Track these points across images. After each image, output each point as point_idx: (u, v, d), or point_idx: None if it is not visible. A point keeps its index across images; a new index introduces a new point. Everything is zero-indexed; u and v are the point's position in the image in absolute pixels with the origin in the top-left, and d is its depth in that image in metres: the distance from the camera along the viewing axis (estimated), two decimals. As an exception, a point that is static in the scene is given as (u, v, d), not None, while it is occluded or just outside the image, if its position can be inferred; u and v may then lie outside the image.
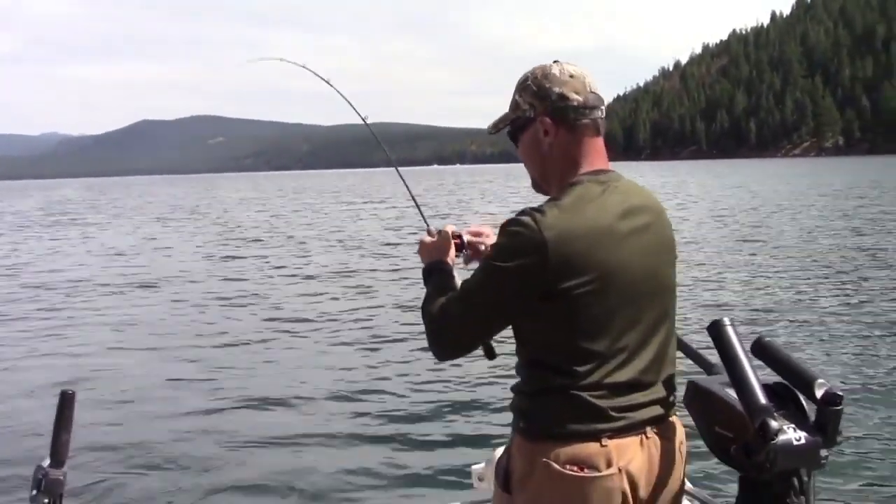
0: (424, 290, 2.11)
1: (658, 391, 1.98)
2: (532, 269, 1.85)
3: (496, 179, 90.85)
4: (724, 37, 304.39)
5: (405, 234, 23.68)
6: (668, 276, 2.06)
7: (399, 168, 2.98)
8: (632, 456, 1.90)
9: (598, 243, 1.89)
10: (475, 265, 2.11)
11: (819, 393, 1.83)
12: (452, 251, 2.26)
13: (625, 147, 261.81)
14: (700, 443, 2.02)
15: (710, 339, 1.95)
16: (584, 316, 1.88)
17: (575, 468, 1.87)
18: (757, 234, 21.00)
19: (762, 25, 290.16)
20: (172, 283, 15.69)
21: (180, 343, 10.02)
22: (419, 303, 2.09)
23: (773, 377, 1.94)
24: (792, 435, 1.79)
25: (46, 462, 1.78)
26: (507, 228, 1.91)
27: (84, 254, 22.35)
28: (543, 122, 2.02)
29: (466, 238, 2.30)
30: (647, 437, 1.94)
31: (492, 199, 47.39)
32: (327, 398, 7.38)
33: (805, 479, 1.84)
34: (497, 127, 2.16)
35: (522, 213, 1.91)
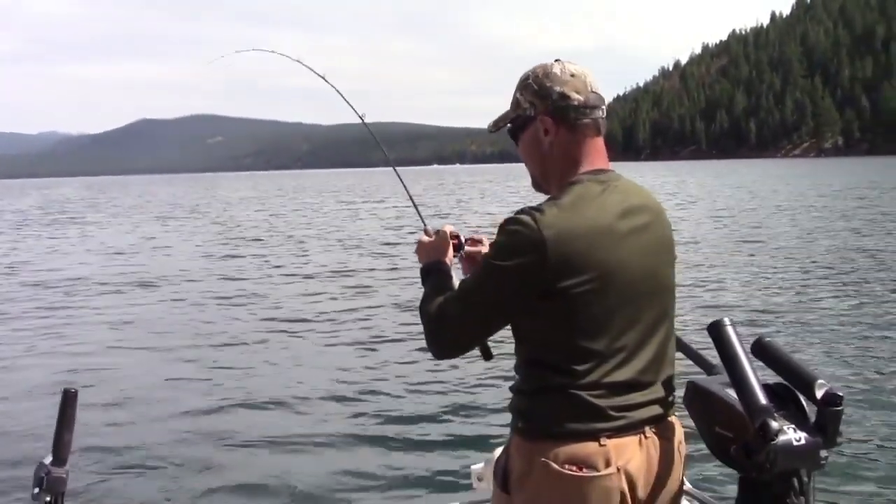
0: (422, 290, 2.11)
1: (657, 391, 1.98)
2: (531, 268, 1.85)
3: (496, 179, 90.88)
4: (724, 37, 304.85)
5: (404, 234, 23.67)
6: (667, 276, 2.06)
7: (399, 168, 2.98)
8: (630, 456, 1.90)
9: (598, 242, 1.88)
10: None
11: (819, 393, 1.83)
12: (450, 251, 2.25)
13: (624, 147, 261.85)
14: (700, 443, 2.01)
15: (709, 339, 1.95)
16: (582, 315, 1.88)
17: (573, 468, 1.86)
18: (757, 234, 21.00)
19: (762, 25, 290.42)
20: (172, 282, 15.68)
21: (179, 342, 10.01)
22: (418, 303, 2.08)
23: (773, 377, 1.94)
24: (792, 435, 1.79)
25: (48, 460, 1.78)
26: (506, 227, 1.91)
27: (83, 253, 22.34)
28: (544, 120, 2.01)
29: (465, 248, 2.30)
30: (645, 437, 1.93)
31: (491, 198, 47.37)
32: (326, 398, 7.37)
33: (805, 479, 1.84)
34: (497, 125, 2.15)
35: (521, 211, 1.90)
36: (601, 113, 2.03)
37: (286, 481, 5.49)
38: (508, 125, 2.12)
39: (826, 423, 1.82)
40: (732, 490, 1.96)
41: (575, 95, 1.99)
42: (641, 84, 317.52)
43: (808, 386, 1.86)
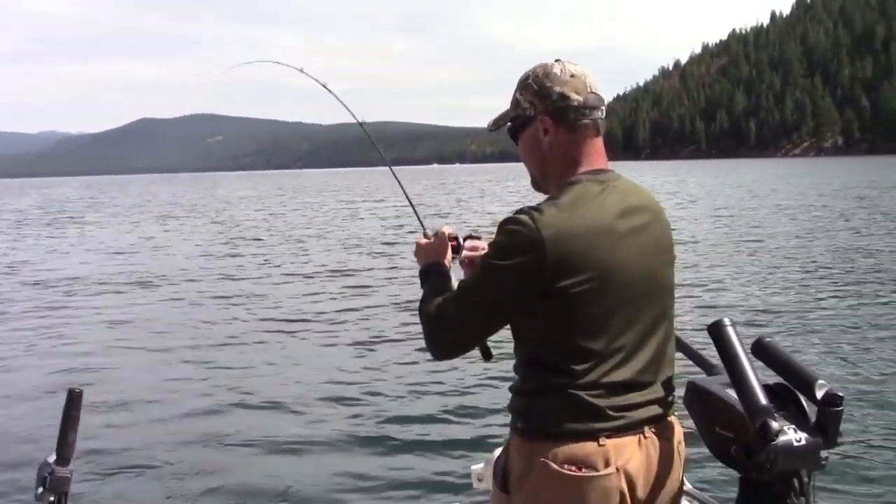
0: (421, 292, 2.11)
1: (656, 391, 1.98)
2: (529, 268, 1.85)
3: (496, 179, 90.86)
4: (724, 36, 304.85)
5: (404, 234, 23.65)
6: (666, 276, 2.06)
7: (399, 167, 2.98)
8: (630, 455, 1.90)
9: (596, 242, 1.88)
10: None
11: (819, 394, 1.83)
12: (449, 253, 2.25)
13: (624, 146, 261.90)
14: (700, 443, 2.01)
15: (710, 339, 1.95)
16: (581, 315, 1.88)
17: (573, 468, 1.87)
18: (757, 233, 20.99)
19: (762, 25, 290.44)
20: (172, 281, 15.67)
21: (179, 342, 10.00)
22: (417, 303, 2.09)
23: (773, 378, 1.94)
24: (792, 436, 1.79)
25: (52, 459, 1.78)
26: (505, 227, 1.91)
27: (83, 252, 22.33)
28: (543, 121, 2.02)
29: (464, 254, 2.29)
30: (645, 437, 1.93)
31: (491, 198, 47.35)
32: (326, 399, 7.36)
33: (805, 479, 1.84)
34: (497, 124, 2.15)
35: (520, 211, 1.91)
36: (600, 113, 2.03)
37: (286, 482, 5.48)
38: (508, 124, 2.12)
39: (826, 424, 1.82)
40: (733, 491, 1.96)
41: (574, 96, 1.99)
42: (641, 84, 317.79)
43: (808, 386, 1.86)
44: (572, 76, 2.01)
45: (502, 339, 2.04)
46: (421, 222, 2.59)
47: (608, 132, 2.11)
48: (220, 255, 20.40)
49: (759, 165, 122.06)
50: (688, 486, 2.23)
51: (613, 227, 1.92)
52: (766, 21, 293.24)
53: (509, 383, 2.04)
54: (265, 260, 18.88)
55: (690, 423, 2.04)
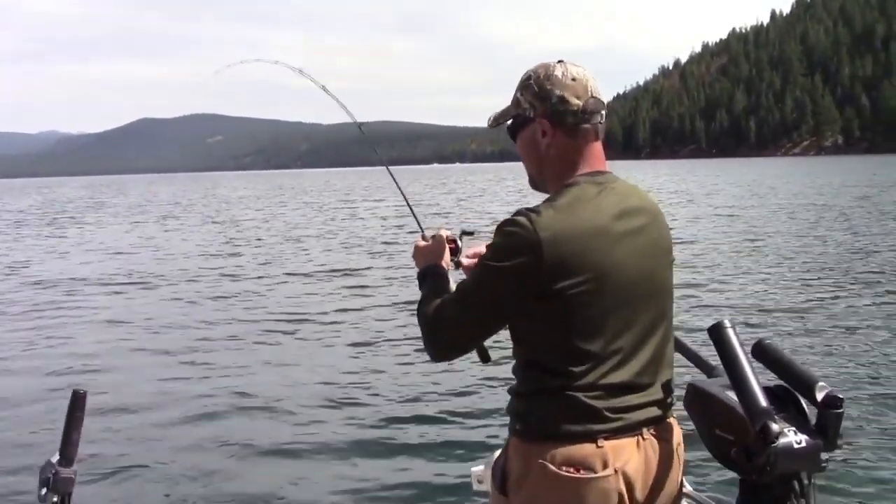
0: (420, 294, 2.13)
1: (655, 392, 1.98)
2: (527, 269, 1.86)
3: (497, 178, 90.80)
4: (724, 36, 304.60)
5: (404, 234, 23.64)
6: (664, 277, 2.06)
7: (399, 167, 2.99)
8: (628, 457, 1.90)
9: (593, 244, 1.89)
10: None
11: (820, 396, 1.83)
12: (447, 255, 2.26)
13: (624, 146, 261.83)
14: (700, 445, 2.00)
15: (710, 340, 1.95)
16: (579, 316, 1.88)
17: (571, 469, 1.87)
18: (757, 234, 20.95)
19: (762, 24, 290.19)
20: (171, 281, 15.67)
21: (179, 343, 10.00)
22: (417, 304, 2.09)
23: (773, 380, 1.94)
24: (793, 438, 1.78)
25: (55, 459, 1.78)
26: (503, 229, 1.92)
27: (83, 252, 22.32)
28: (542, 123, 2.02)
29: (464, 262, 2.30)
30: (643, 439, 1.94)
31: (491, 197, 47.34)
32: (325, 401, 7.34)
33: (805, 482, 1.84)
34: (497, 121, 2.16)
35: (518, 213, 1.91)
36: (600, 118, 2.03)
37: (286, 484, 5.48)
38: (508, 122, 2.13)
39: (827, 426, 1.82)
40: (733, 493, 1.96)
41: (574, 101, 1.99)
42: (641, 83, 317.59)
43: (808, 388, 1.86)
44: (573, 80, 2.00)
45: (503, 341, 2.04)
46: (419, 224, 2.59)
47: (608, 131, 2.11)
48: (220, 254, 20.40)
49: (759, 164, 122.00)
50: (688, 488, 2.23)
51: (610, 228, 1.92)
52: (766, 20, 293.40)
53: (510, 385, 2.04)
54: (265, 260, 18.87)
55: (690, 424, 2.04)
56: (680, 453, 2.04)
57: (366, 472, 5.64)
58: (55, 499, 1.77)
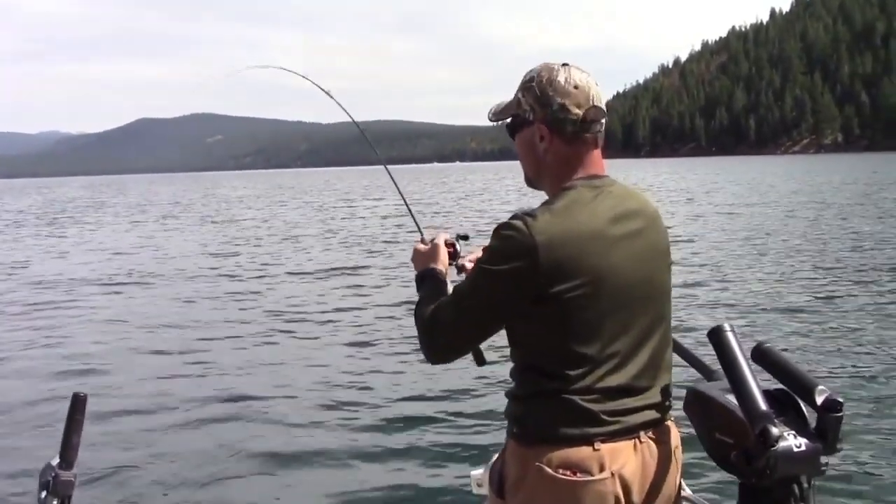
0: (417, 297, 2.13)
1: (652, 396, 1.98)
2: (523, 273, 1.86)
3: (496, 177, 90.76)
4: (724, 34, 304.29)
5: (404, 233, 23.63)
6: (661, 281, 2.06)
7: (399, 166, 3.01)
8: (625, 460, 1.90)
9: (589, 247, 1.89)
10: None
11: (819, 399, 1.83)
12: (446, 258, 2.27)
13: (624, 144, 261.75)
14: (700, 449, 2.00)
15: (709, 344, 1.95)
16: (575, 320, 1.88)
17: (567, 472, 1.87)
18: (757, 233, 20.93)
19: (762, 22, 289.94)
20: (171, 281, 15.67)
21: (180, 343, 9.98)
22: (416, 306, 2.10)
23: (773, 383, 1.93)
24: (792, 441, 1.78)
25: (55, 462, 1.78)
26: (499, 232, 1.92)
27: (83, 252, 22.32)
28: (541, 128, 2.02)
29: (466, 265, 2.30)
30: (640, 442, 1.94)
31: (491, 195, 47.33)
32: (325, 403, 7.31)
33: (805, 485, 1.84)
34: (497, 117, 2.16)
35: (515, 216, 1.92)
36: (600, 127, 2.03)
37: (285, 488, 5.47)
38: (508, 120, 2.12)
39: (826, 429, 1.82)
40: (733, 496, 1.95)
41: (575, 110, 1.98)
42: (641, 81, 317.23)
43: (808, 392, 1.85)
44: (576, 87, 1.99)
45: (503, 344, 2.05)
46: (418, 226, 2.60)
47: (608, 129, 2.10)
48: (220, 254, 20.39)
49: (758, 162, 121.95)
50: (687, 491, 2.23)
51: (606, 232, 1.92)
52: (765, 18, 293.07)
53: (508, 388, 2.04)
54: (265, 260, 18.86)
55: (690, 428, 2.03)
56: (678, 456, 2.03)
57: (365, 475, 5.62)
58: (55, 502, 1.76)
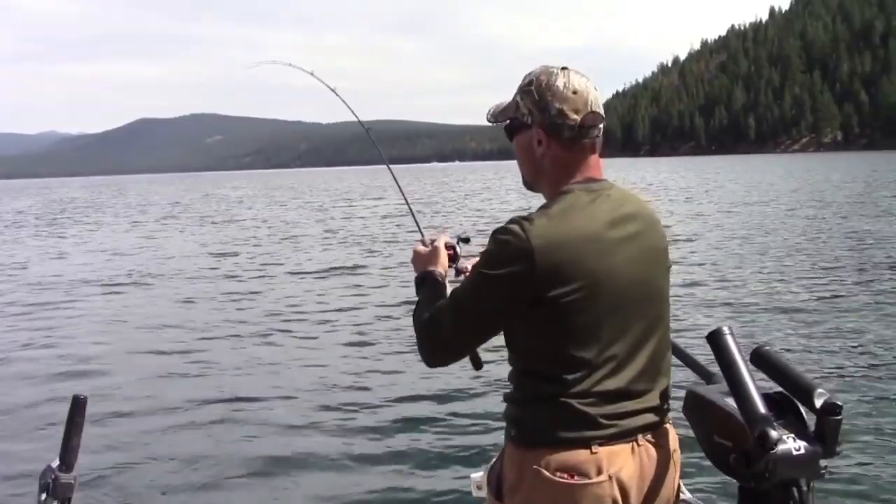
0: (417, 299, 2.14)
1: (651, 399, 1.98)
2: (520, 277, 1.86)
3: (496, 176, 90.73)
4: (723, 33, 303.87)
5: (404, 233, 23.62)
6: (659, 284, 2.06)
7: (398, 165, 3.01)
8: (623, 463, 1.90)
9: (586, 251, 1.89)
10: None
11: (818, 402, 1.83)
12: (445, 261, 2.28)
13: (623, 143, 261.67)
14: (699, 452, 2.00)
15: (709, 346, 1.95)
16: (572, 323, 1.89)
17: (565, 475, 1.87)
18: (756, 234, 20.88)
19: (761, 21, 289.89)
20: (171, 282, 15.66)
21: (180, 344, 9.98)
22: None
23: (772, 386, 1.93)
24: (791, 445, 1.78)
25: (55, 464, 1.78)
26: (496, 236, 1.93)
27: (82, 253, 22.31)
28: (538, 132, 2.02)
29: (467, 267, 2.30)
30: (638, 445, 1.94)
31: (491, 195, 47.31)
32: (324, 406, 7.27)
33: (804, 488, 1.83)
34: (496, 118, 2.16)
35: (511, 221, 1.92)
36: (597, 132, 2.03)
37: (284, 492, 5.44)
38: (507, 122, 2.13)
39: (825, 433, 1.82)
40: (732, 499, 1.96)
41: (573, 116, 1.98)
42: (640, 80, 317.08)
43: (807, 395, 1.85)
44: (574, 92, 1.99)
45: (497, 348, 2.05)
46: (419, 228, 2.60)
47: (607, 129, 2.10)
48: (220, 254, 20.37)
49: (758, 161, 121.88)
50: (686, 494, 2.23)
51: (603, 235, 1.92)
52: (764, 17, 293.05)
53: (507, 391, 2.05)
54: (264, 260, 18.85)
55: (689, 431, 2.03)
56: (676, 459, 2.04)
57: (364, 476, 5.61)
58: None
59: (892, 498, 4.95)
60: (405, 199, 2.89)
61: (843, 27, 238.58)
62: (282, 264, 17.98)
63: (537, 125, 2.01)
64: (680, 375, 2.10)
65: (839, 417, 1.82)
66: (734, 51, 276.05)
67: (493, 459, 2.17)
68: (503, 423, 2.06)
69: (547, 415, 1.90)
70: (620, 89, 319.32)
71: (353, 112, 3.15)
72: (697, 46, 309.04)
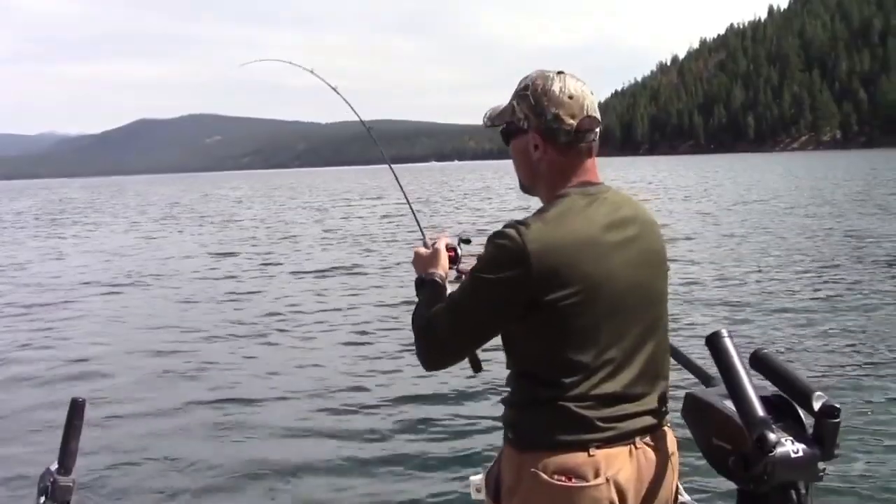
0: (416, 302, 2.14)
1: (649, 402, 1.98)
2: (516, 281, 1.87)
3: (496, 176, 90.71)
4: (722, 31, 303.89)
5: (404, 232, 23.61)
6: (657, 287, 2.06)
7: (398, 165, 3.01)
8: (620, 466, 1.91)
9: (582, 255, 1.89)
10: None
11: (817, 405, 1.83)
12: (446, 263, 2.28)
13: (622, 142, 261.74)
14: (698, 455, 2.00)
15: (707, 349, 1.95)
16: (569, 327, 1.89)
17: (563, 478, 1.87)
18: (755, 232, 20.88)
19: (760, 20, 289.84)
20: (170, 282, 15.65)
21: (180, 345, 9.97)
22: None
23: (771, 389, 1.94)
24: (790, 447, 1.79)
25: (54, 467, 1.78)
26: (492, 241, 1.93)
27: (81, 253, 22.29)
28: (535, 137, 2.02)
29: (462, 267, 2.32)
30: (636, 448, 1.94)
31: (490, 194, 47.29)
32: (323, 408, 7.26)
33: (803, 491, 1.83)
34: (492, 122, 2.16)
35: (508, 225, 1.93)
36: (593, 136, 2.03)
37: (284, 495, 5.43)
38: (503, 126, 2.13)
39: (824, 435, 1.82)
40: (730, 502, 1.97)
41: (569, 121, 1.98)
42: (639, 79, 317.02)
43: (805, 398, 1.86)
44: (570, 97, 1.99)
45: (496, 349, 2.05)
46: (421, 229, 2.59)
47: (606, 128, 2.13)
48: (219, 254, 20.35)
49: (757, 160, 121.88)
50: (684, 497, 2.23)
51: (600, 239, 1.93)
52: (763, 15, 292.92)
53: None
54: (263, 260, 18.83)
55: (688, 433, 2.03)
56: (674, 462, 2.04)
57: (363, 479, 5.59)
58: None
59: (892, 498, 4.94)
60: (406, 199, 2.88)
61: (842, 26, 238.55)
62: (281, 264, 17.97)
63: (533, 130, 2.01)
64: (678, 378, 2.10)
65: (837, 420, 1.82)
66: (733, 49, 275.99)
67: (492, 462, 2.17)
68: (501, 426, 2.06)
69: (544, 418, 1.91)
70: (619, 88, 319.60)
71: (353, 110, 3.14)
72: (696, 45, 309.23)
